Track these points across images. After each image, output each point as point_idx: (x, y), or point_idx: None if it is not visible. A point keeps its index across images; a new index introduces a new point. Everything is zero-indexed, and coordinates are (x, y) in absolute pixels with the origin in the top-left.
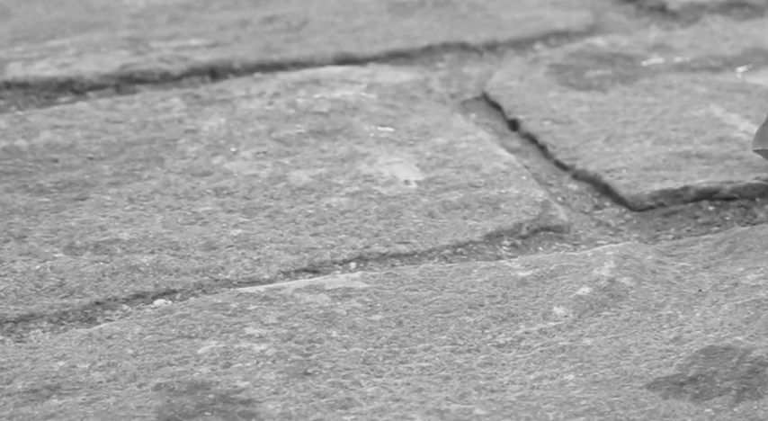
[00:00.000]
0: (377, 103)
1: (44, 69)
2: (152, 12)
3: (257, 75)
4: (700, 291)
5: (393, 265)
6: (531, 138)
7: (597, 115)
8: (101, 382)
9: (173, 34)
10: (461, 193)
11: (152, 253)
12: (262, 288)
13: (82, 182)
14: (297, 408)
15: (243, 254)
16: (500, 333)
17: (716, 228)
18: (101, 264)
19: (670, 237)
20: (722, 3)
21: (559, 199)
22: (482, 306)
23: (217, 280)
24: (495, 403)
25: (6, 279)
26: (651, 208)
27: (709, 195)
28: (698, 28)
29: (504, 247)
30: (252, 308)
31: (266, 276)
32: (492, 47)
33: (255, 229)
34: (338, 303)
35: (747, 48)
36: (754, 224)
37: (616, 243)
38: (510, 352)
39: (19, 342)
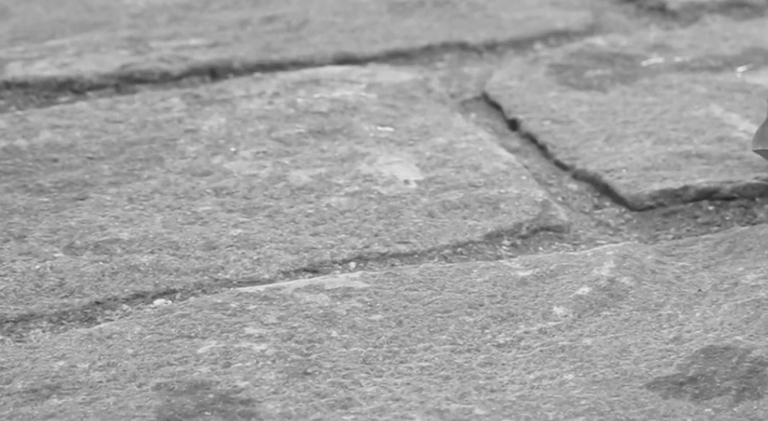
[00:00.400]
0: (377, 102)
1: (44, 69)
2: (152, 11)
3: (257, 74)
4: (699, 290)
5: (393, 265)
6: (530, 138)
7: (597, 115)
8: (101, 382)
9: (172, 34)
10: (461, 193)
11: (152, 253)
12: (261, 288)
13: (82, 181)
14: (297, 408)
15: (243, 253)
16: (500, 333)
17: (716, 228)
18: (101, 263)
19: (670, 236)
20: (722, 2)
21: (559, 199)
22: (482, 306)
23: (217, 279)
24: (495, 403)
25: (6, 279)
26: (651, 208)
27: (708, 195)
28: (698, 28)
29: (504, 247)
30: (252, 307)
31: (266, 276)
32: (492, 47)
33: (255, 229)
34: (338, 303)
35: (747, 47)
36: (754, 224)
37: (616, 243)
38: (510, 351)
39: (19, 342)
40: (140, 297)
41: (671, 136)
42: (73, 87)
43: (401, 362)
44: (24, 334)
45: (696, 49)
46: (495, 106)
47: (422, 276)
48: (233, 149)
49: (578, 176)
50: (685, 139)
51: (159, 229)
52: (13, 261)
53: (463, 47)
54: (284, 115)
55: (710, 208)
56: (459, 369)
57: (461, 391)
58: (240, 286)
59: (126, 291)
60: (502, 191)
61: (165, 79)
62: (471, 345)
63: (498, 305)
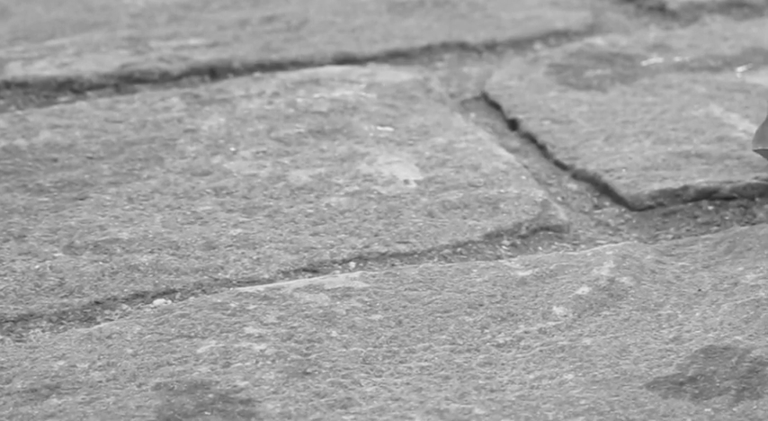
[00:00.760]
0: (376, 102)
1: (43, 69)
2: (151, 11)
3: (257, 74)
4: (699, 290)
5: (393, 265)
6: (530, 138)
7: (597, 115)
8: (100, 382)
9: (172, 34)
10: (461, 193)
11: (151, 252)
12: (261, 287)
13: (81, 181)
14: (296, 408)
15: (242, 253)
16: (499, 332)
17: (715, 228)
18: (100, 263)
19: (669, 236)
20: (722, 2)
21: (559, 198)
22: (481, 305)
23: (216, 279)
24: (495, 403)
25: (6, 278)
26: (651, 207)
27: (708, 195)
28: (697, 28)
29: (504, 247)
30: (251, 307)
31: (266, 276)
32: (491, 46)
33: (255, 229)
34: (338, 303)
35: (747, 47)
36: (754, 224)
37: (615, 242)
38: (509, 351)
39: (18, 341)
40: (140, 297)
41: (671, 136)
42: (73, 87)
43: (401, 362)
44: (24, 333)
45: (696, 48)
46: (495, 106)
47: (421, 276)
48: (233, 149)
49: (578, 176)
50: (685, 139)
51: (159, 229)
52: (13, 261)
53: (463, 47)
54: (284, 115)
55: (710, 208)
56: (458, 369)
57: (461, 391)
58: (240, 286)
59: (126, 290)
60: (501, 190)
61: (164, 79)
62: (471, 345)
63: (498, 305)
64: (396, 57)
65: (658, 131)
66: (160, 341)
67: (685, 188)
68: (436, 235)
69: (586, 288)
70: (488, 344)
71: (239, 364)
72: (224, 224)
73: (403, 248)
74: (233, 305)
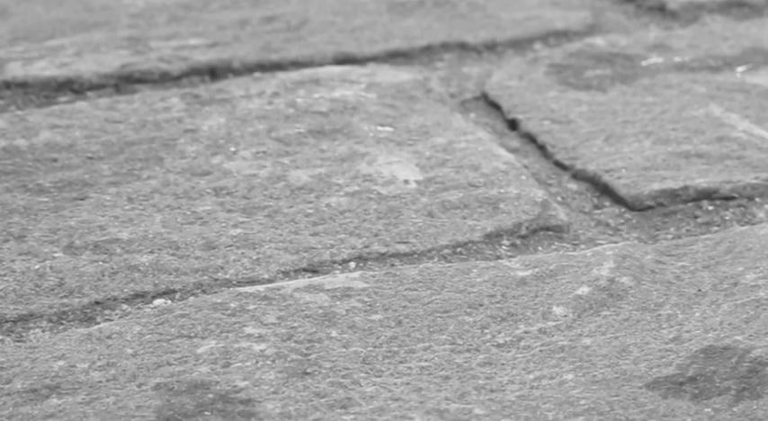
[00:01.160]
0: (376, 102)
1: (43, 69)
2: (151, 11)
3: (257, 74)
4: (699, 290)
5: (392, 265)
6: (530, 138)
7: (597, 115)
8: (100, 382)
9: (172, 34)
10: (461, 193)
11: (151, 252)
12: (261, 287)
13: (81, 181)
14: (296, 408)
15: (242, 253)
16: (499, 332)
17: (715, 228)
18: (100, 263)
19: (669, 236)
20: (721, 2)
21: (559, 198)
22: (481, 305)
23: (216, 279)
24: (495, 403)
25: (6, 278)
26: (650, 207)
27: (708, 195)
28: (697, 28)
29: (504, 247)
30: (251, 307)
31: (266, 276)
32: (491, 46)
33: (255, 229)
34: (338, 303)
35: (747, 47)
36: (754, 224)
37: (615, 243)
38: (509, 351)
39: (18, 341)
40: (140, 297)
41: (670, 136)
42: (72, 87)
43: (401, 362)
44: (24, 334)
45: (696, 48)
46: (495, 106)
47: (421, 276)
48: (233, 149)
49: (578, 176)
50: (685, 139)
51: (159, 229)
52: (13, 261)
53: (463, 47)
54: (284, 115)
55: (710, 208)
56: (458, 369)
57: (461, 391)
58: (240, 286)
59: (125, 290)
60: (501, 191)
61: (164, 79)
62: (471, 345)
63: (498, 305)
64: (396, 57)
65: (658, 131)
66: (160, 341)
67: (685, 188)
68: (436, 235)
69: (586, 288)
70: (488, 344)
71: (239, 364)
72: (224, 224)
73: (403, 248)
74: (233, 305)
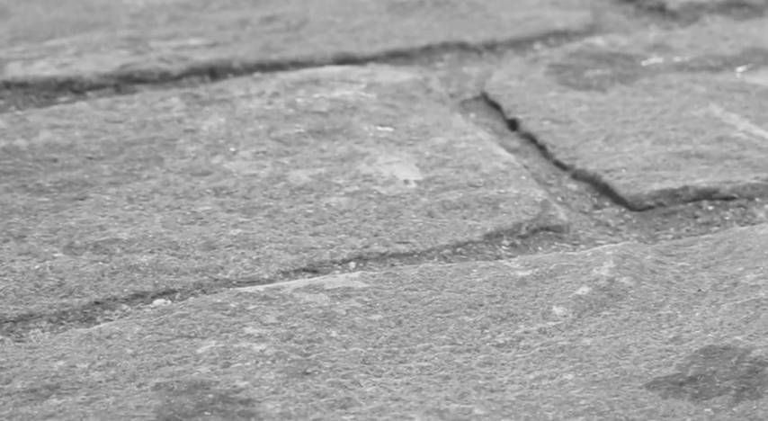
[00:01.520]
0: (376, 102)
1: (43, 69)
2: (151, 11)
3: (257, 74)
4: (699, 290)
5: (392, 265)
6: (530, 138)
7: (596, 115)
8: (100, 382)
9: (172, 34)
10: (461, 193)
11: (151, 252)
12: (261, 287)
13: (81, 181)
14: (296, 408)
15: (242, 253)
16: (499, 333)
17: (715, 228)
18: (100, 263)
19: (669, 236)
20: (721, 2)
21: (559, 199)
22: (481, 306)
23: (216, 279)
24: (495, 403)
25: (6, 279)
26: (650, 207)
27: (708, 195)
28: (697, 28)
29: (504, 247)
30: (251, 307)
31: (266, 276)
32: (491, 46)
33: (255, 229)
34: (337, 303)
35: (747, 47)
36: (754, 224)
37: (615, 243)
38: (509, 351)
39: (18, 341)
40: (140, 297)
41: (670, 136)
42: (72, 87)
43: (401, 362)
44: (24, 334)
45: (696, 49)
46: (495, 106)
47: (421, 276)
48: (232, 149)
49: (578, 176)
50: (685, 139)
51: (159, 229)
52: (13, 261)
53: (463, 47)
54: (284, 115)
55: (710, 208)
56: (458, 369)
57: (461, 391)
58: (240, 286)
59: (125, 291)
60: (501, 191)
61: (164, 79)
62: (471, 345)
63: (498, 305)
64: (396, 57)
65: (658, 131)
66: (160, 341)
67: (685, 188)
68: (436, 235)
69: (586, 288)
70: (488, 344)
71: (239, 364)
72: (224, 224)
73: (403, 248)
74: (233, 305)
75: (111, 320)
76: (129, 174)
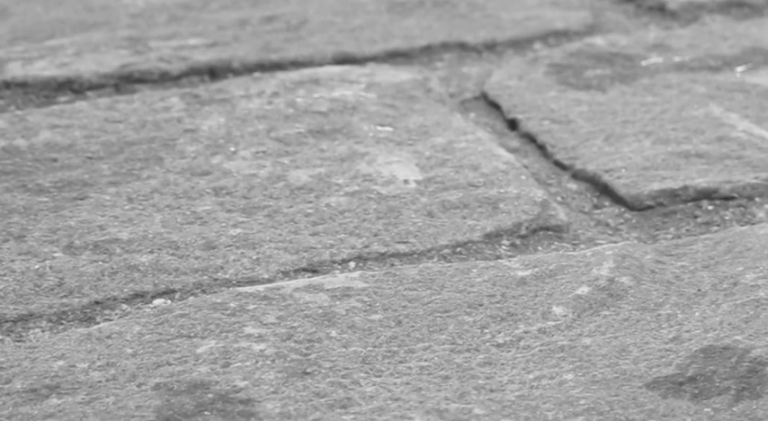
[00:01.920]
0: (376, 102)
1: (43, 69)
2: (151, 11)
3: (256, 74)
4: (699, 290)
5: (392, 265)
6: (530, 138)
7: (596, 115)
8: (100, 382)
9: (172, 34)
10: (460, 193)
11: (151, 252)
12: (261, 287)
13: (81, 181)
14: (296, 408)
15: (242, 253)
16: (499, 332)
17: (715, 228)
18: (100, 263)
19: (669, 236)
20: (721, 2)
21: (558, 198)
22: (481, 305)
23: (216, 279)
24: (495, 402)
25: (5, 278)
26: (650, 207)
27: (708, 195)
28: (697, 27)
29: (504, 247)
30: (251, 307)
31: (265, 276)
32: (491, 46)
33: (255, 229)
34: (337, 303)
35: (746, 47)
36: (754, 223)
37: (615, 242)
38: (509, 351)
39: (18, 341)
40: (140, 297)
41: (670, 135)
42: (72, 87)
43: (400, 362)
44: (24, 333)
45: (695, 48)
46: (495, 106)
47: (421, 276)
48: (232, 149)
49: (578, 176)
50: (685, 139)
51: (158, 229)
52: (13, 261)
53: (462, 47)
54: (283, 115)
55: (710, 207)
56: (458, 368)
57: (461, 391)
58: (239, 286)
59: (125, 290)
60: (501, 190)
61: (164, 79)
62: (471, 345)
63: (498, 305)
64: (395, 57)
65: (658, 131)
66: (160, 341)
67: (685, 188)
68: (436, 235)
69: (586, 288)
70: (488, 343)
71: (239, 364)
72: (223, 224)
73: (402, 248)
74: (232, 305)
75: (111, 320)
76: (128, 174)
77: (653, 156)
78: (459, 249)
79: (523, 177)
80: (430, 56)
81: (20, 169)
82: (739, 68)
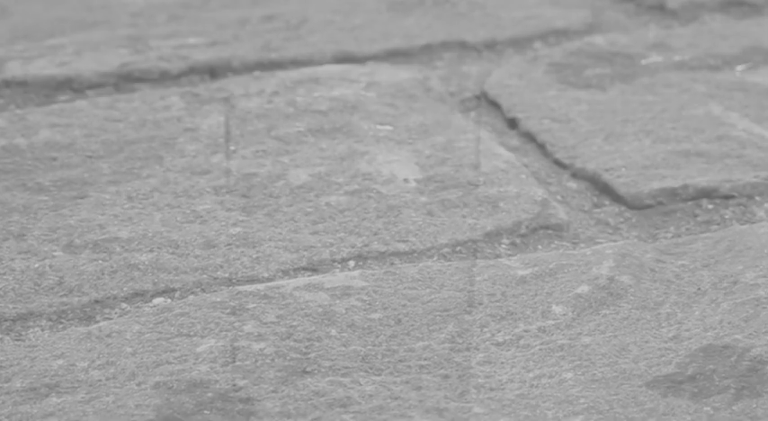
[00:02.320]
0: (376, 101)
1: (43, 68)
2: (151, 10)
3: (256, 73)
4: (699, 289)
5: (392, 264)
6: (530, 137)
7: (596, 114)
8: (100, 381)
9: (172, 33)
10: (460, 192)
11: (151, 251)
12: (261, 286)
13: (81, 180)
14: (296, 407)
15: (242, 252)
16: (499, 331)
17: (715, 227)
18: (100, 262)
19: (669, 235)
20: (721, 1)
21: (558, 197)
22: (481, 304)
23: (216, 278)
24: (494, 401)
25: (5, 277)
26: (650, 206)
27: (708, 194)
28: (697, 26)
29: (504, 246)
30: (251, 306)
31: (265, 274)
32: (491, 45)
33: (254, 228)
34: (337, 301)
35: (746, 46)
36: (754, 222)
37: (615, 241)
38: (509, 350)
39: (18, 340)
40: (139, 295)
41: (670, 134)
42: (72, 86)
43: (400, 361)
44: (23, 332)
45: (695, 47)
46: (495, 105)
47: (421, 275)
48: (232, 148)
49: (577, 175)
50: (685, 138)
51: (158, 228)
52: (12, 259)
53: (462, 46)
54: (283, 114)
55: (710, 206)
56: (458, 367)
57: (460, 390)
58: (239, 285)
59: (125, 289)
60: (501, 189)
61: (164, 78)
62: (470, 344)
63: (497, 303)
64: (395, 55)
65: (658, 130)
66: (159, 340)
67: (685, 187)
68: (436, 234)
69: (586, 287)
70: (488, 342)
71: (238, 363)
72: (223, 223)
73: (402, 247)
74: (232, 304)
75: (111, 319)
76: (128, 173)
77: (653, 154)
78: (458, 248)
79: (523, 176)
80: (430, 55)
81: (20, 168)
82: (739, 67)
